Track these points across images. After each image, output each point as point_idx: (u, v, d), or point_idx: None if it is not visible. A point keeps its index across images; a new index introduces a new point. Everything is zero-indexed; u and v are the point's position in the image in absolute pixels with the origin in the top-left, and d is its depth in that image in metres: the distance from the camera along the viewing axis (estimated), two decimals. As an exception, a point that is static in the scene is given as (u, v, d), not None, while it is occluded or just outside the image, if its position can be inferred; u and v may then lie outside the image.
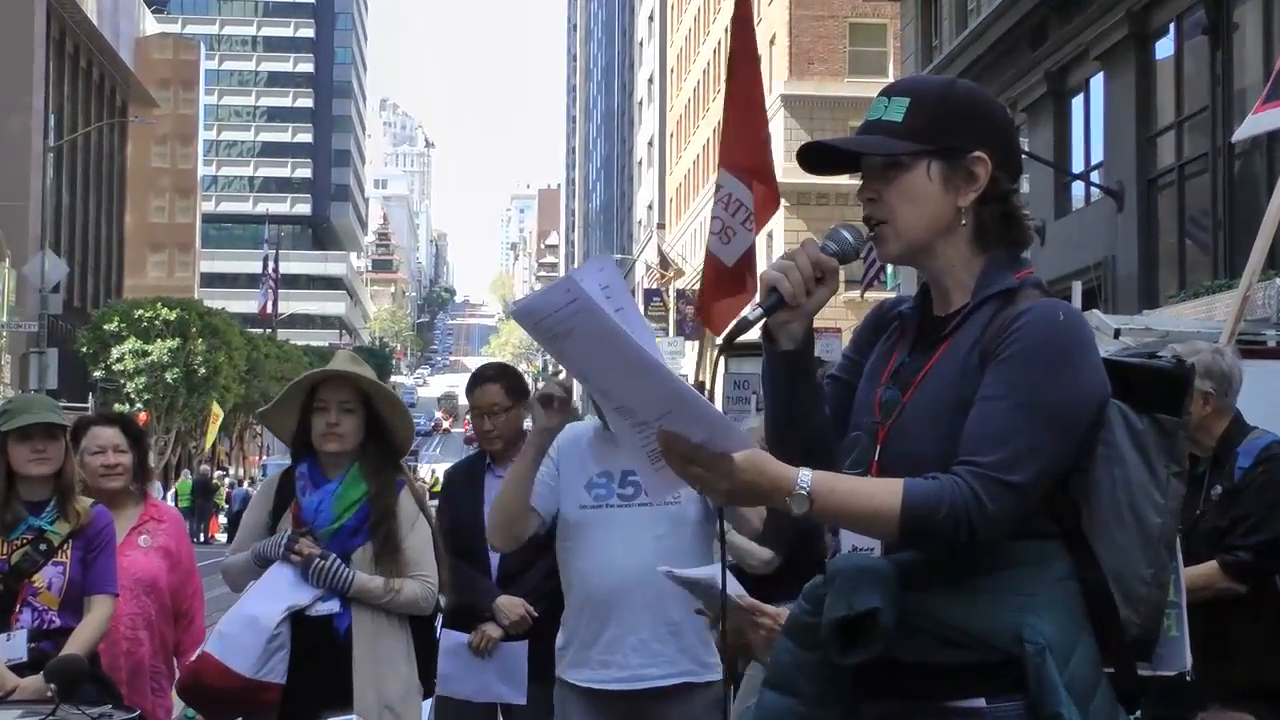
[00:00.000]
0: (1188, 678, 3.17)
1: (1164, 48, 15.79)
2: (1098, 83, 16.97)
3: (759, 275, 2.16)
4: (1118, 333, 6.99)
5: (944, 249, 2.09)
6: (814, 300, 2.03)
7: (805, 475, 1.90)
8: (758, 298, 2.05)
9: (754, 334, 2.09)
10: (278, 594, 3.79)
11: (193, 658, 3.92)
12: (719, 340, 2.22)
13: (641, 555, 3.50)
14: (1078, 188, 17.84)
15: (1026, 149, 18.73)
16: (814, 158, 2.14)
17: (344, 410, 3.88)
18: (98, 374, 37.30)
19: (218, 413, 37.90)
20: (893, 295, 2.33)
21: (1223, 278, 13.37)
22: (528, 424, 4.41)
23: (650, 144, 64.30)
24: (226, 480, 38.64)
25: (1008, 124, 2.16)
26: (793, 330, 2.05)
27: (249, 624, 3.75)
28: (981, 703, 1.97)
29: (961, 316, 2.06)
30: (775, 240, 38.73)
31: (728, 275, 6.12)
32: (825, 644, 1.95)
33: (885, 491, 1.92)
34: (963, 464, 1.93)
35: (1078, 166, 17.62)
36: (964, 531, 1.90)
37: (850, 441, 2.11)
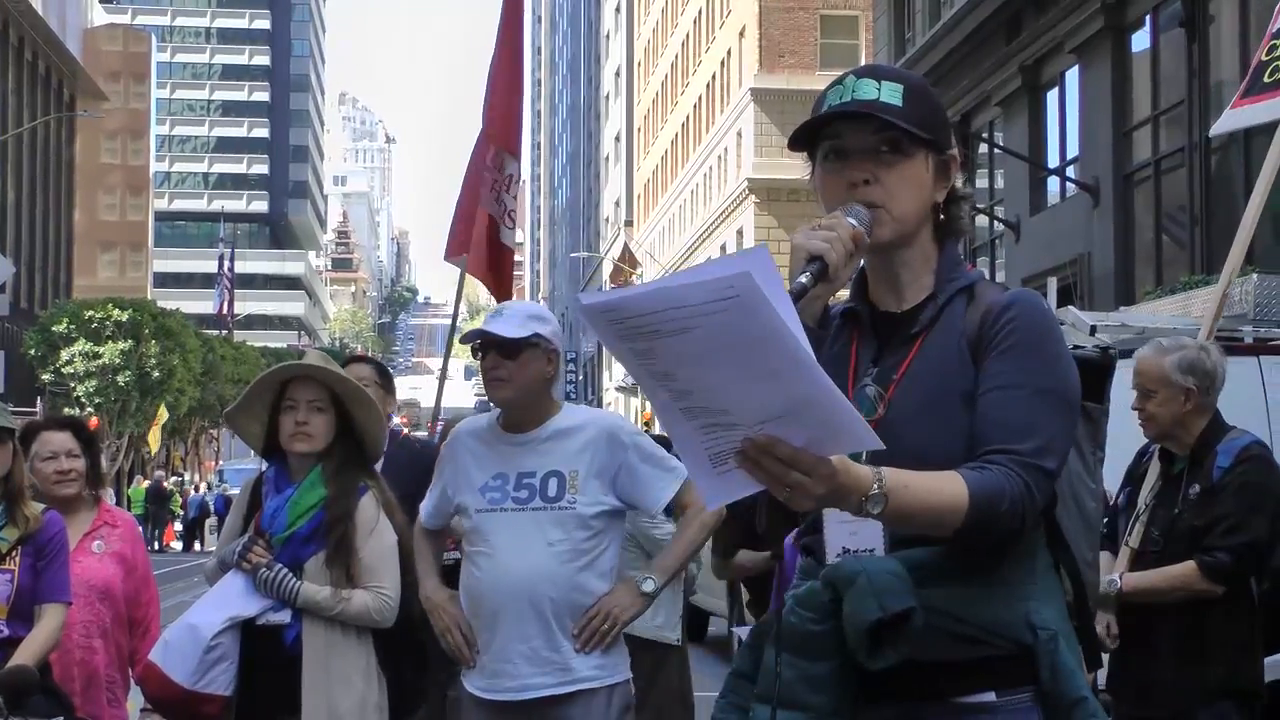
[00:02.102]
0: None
1: (1140, 40, 15.86)
2: (1073, 76, 17.01)
3: (793, 242, 2.00)
4: (1093, 329, 6.77)
5: (916, 241, 2.11)
6: (845, 274, 2.00)
7: (881, 474, 1.86)
8: (791, 265, 1.95)
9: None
10: (223, 603, 3.72)
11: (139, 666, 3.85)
12: None
13: (534, 561, 3.43)
14: (1053, 183, 17.92)
15: (1001, 143, 18.56)
16: (804, 132, 2.09)
17: (314, 409, 3.77)
18: (46, 377, 36.70)
19: (163, 415, 37.24)
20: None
21: (1199, 274, 13.22)
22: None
23: (617, 139, 63.98)
24: (182, 486, 37.96)
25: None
26: (816, 308, 2.08)
27: (189, 633, 3.68)
28: (992, 696, 1.97)
29: (935, 310, 2.08)
30: (745, 237, 38.49)
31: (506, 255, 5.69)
32: (854, 650, 1.92)
33: (953, 487, 1.90)
34: (1001, 453, 1.93)
35: (1053, 161, 17.69)
36: (1018, 523, 1.92)
37: None
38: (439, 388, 5.17)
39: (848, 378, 2.10)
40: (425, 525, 3.77)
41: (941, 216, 2.12)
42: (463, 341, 3.56)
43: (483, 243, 5.57)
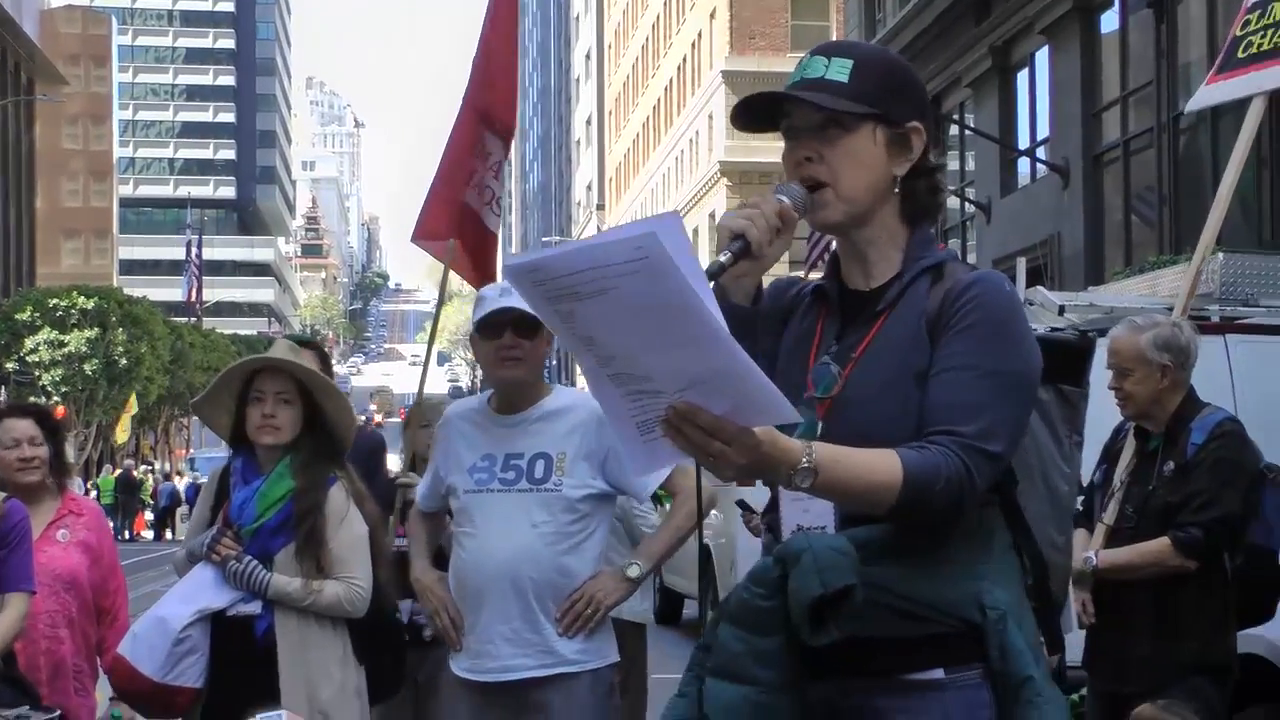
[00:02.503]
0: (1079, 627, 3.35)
1: (1109, 21, 15.92)
2: (1043, 57, 17.04)
3: (718, 223, 2.02)
4: (1062, 309, 6.82)
5: (876, 219, 2.09)
6: (773, 252, 2.01)
7: (810, 448, 1.86)
8: (717, 245, 2.00)
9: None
10: (192, 595, 3.70)
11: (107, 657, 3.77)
12: None
13: (518, 542, 3.42)
14: (1023, 164, 17.96)
15: (972, 125, 18.60)
16: (748, 114, 2.10)
17: (281, 401, 3.75)
18: (10, 366, 36.27)
19: (132, 404, 36.93)
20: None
21: (1168, 254, 13.28)
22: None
23: (588, 122, 63.80)
24: (152, 475, 37.68)
25: (930, 102, 2.19)
26: (746, 285, 2.06)
27: (157, 626, 3.67)
28: (940, 673, 1.97)
29: (899, 289, 2.06)
30: (718, 220, 38.40)
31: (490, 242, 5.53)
32: (797, 626, 1.91)
33: (886, 463, 1.90)
34: (943, 434, 1.92)
35: (1023, 142, 17.74)
36: (955, 503, 1.91)
37: None
38: (423, 373, 5.11)
39: (809, 354, 2.11)
40: (421, 508, 3.77)
41: (897, 191, 2.09)
42: (485, 322, 3.47)
43: (462, 230, 5.45)
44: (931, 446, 1.91)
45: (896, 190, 2.08)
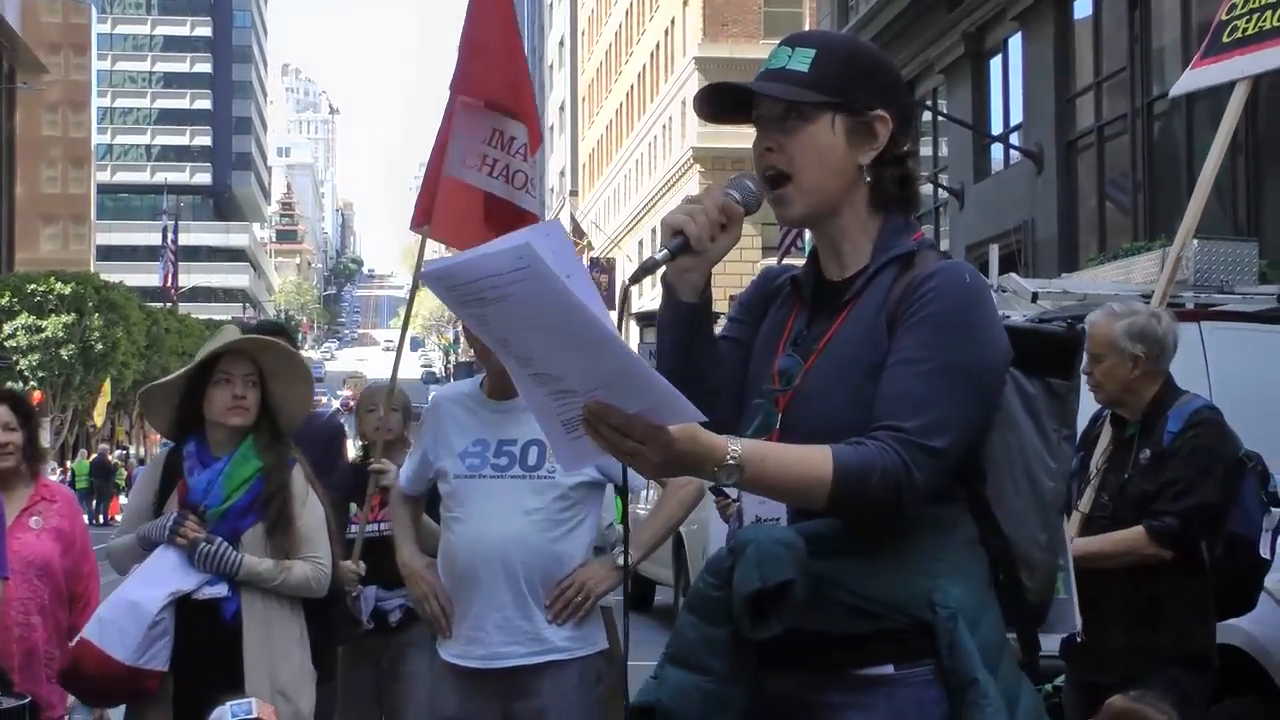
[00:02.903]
0: (1078, 638, 3.21)
1: (1082, 7, 15.90)
2: (1016, 43, 17.02)
3: (662, 220, 2.03)
4: (1035, 296, 6.81)
5: (846, 209, 2.07)
6: (717, 247, 2.01)
7: (735, 444, 1.85)
8: (660, 241, 2.00)
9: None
10: (161, 579, 3.68)
11: (72, 644, 3.78)
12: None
13: (510, 529, 3.41)
14: (997, 150, 17.95)
15: (945, 111, 18.63)
16: (713, 104, 2.09)
17: (249, 383, 3.79)
18: (-12, 350, 35.93)
19: (107, 390, 36.75)
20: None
21: (1142, 240, 13.34)
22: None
23: (561, 109, 63.60)
24: (128, 460, 37.50)
25: (905, 88, 2.15)
26: (693, 280, 2.04)
27: (129, 610, 3.64)
28: (890, 669, 1.95)
29: (864, 280, 2.04)
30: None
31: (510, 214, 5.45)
32: (737, 619, 1.91)
33: (815, 459, 1.88)
34: (885, 429, 1.89)
35: (996, 128, 17.72)
36: (892, 499, 1.87)
37: (753, 408, 2.08)
38: (396, 358, 5.10)
39: (779, 346, 2.10)
40: (405, 490, 3.75)
41: (868, 180, 2.06)
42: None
43: (462, 214, 5.42)
44: (869, 442, 1.88)
45: (867, 180, 2.06)
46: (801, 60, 2.03)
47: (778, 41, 2.14)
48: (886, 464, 1.87)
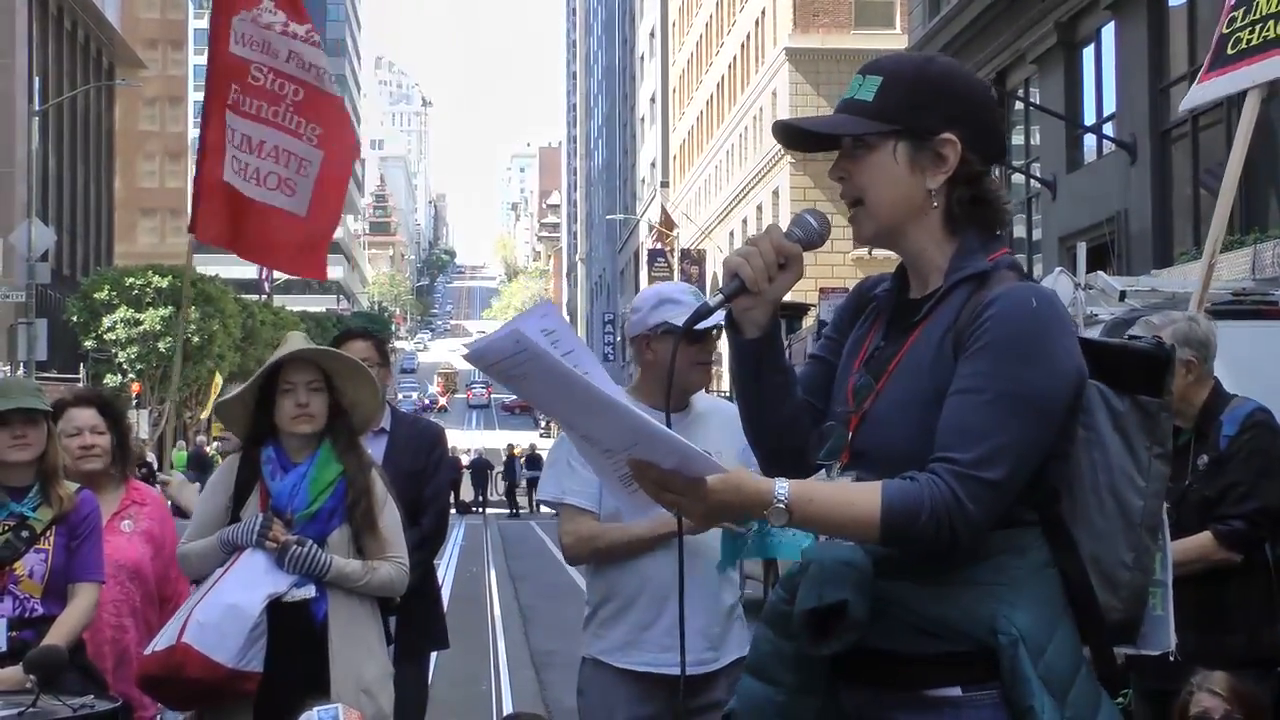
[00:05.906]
0: (1171, 657, 3.22)
1: (1176, -5, 15.46)
2: (1109, 32, 16.78)
3: (723, 261, 2.09)
4: (1123, 295, 6.71)
5: (915, 232, 2.08)
6: (776, 287, 2.05)
7: (782, 487, 1.89)
8: (722, 282, 2.07)
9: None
10: (255, 581, 3.72)
11: (159, 647, 3.77)
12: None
13: (709, 539, 3.49)
14: (1089, 140, 17.68)
15: (1037, 101, 18.37)
16: (792, 135, 2.13)
17: (313, 390, 3.84)
18: (89, 344, 36.94)
19: (218, 383, 37.55)
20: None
21: (1236, 234, 13.05)
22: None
23: (653, 100, 63.65)
24: (224, 452, 38.29)
25: (984, 104, 2.12)
26: (756, 317, 2.08)
27: (230, 613, 3.67)
28: (957, 691, 1.96)
29: (934, 301, 2.05)
30: (781, 198, 38.28)
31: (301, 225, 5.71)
32: (797, 635, 1.95)
33: (864, 498, 1.91)
34: (940, 461, 1.91)
35: (1089, 118, 17.49)
36: (945, 534, 1.89)
37: (825, 430, 2.10)
38: None
39: (855, 364, 2.13)
40: (578, 505, 3.67)
41: (934, 205, 2.06)
42: (698, 329, 2.98)
43: (227, 208, 5.69)
44: (921, 476, 1.90)
45: (935, 204, 2.06)
46: (869, 89, 2.07)
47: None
48: (936, 500, 1.88)
